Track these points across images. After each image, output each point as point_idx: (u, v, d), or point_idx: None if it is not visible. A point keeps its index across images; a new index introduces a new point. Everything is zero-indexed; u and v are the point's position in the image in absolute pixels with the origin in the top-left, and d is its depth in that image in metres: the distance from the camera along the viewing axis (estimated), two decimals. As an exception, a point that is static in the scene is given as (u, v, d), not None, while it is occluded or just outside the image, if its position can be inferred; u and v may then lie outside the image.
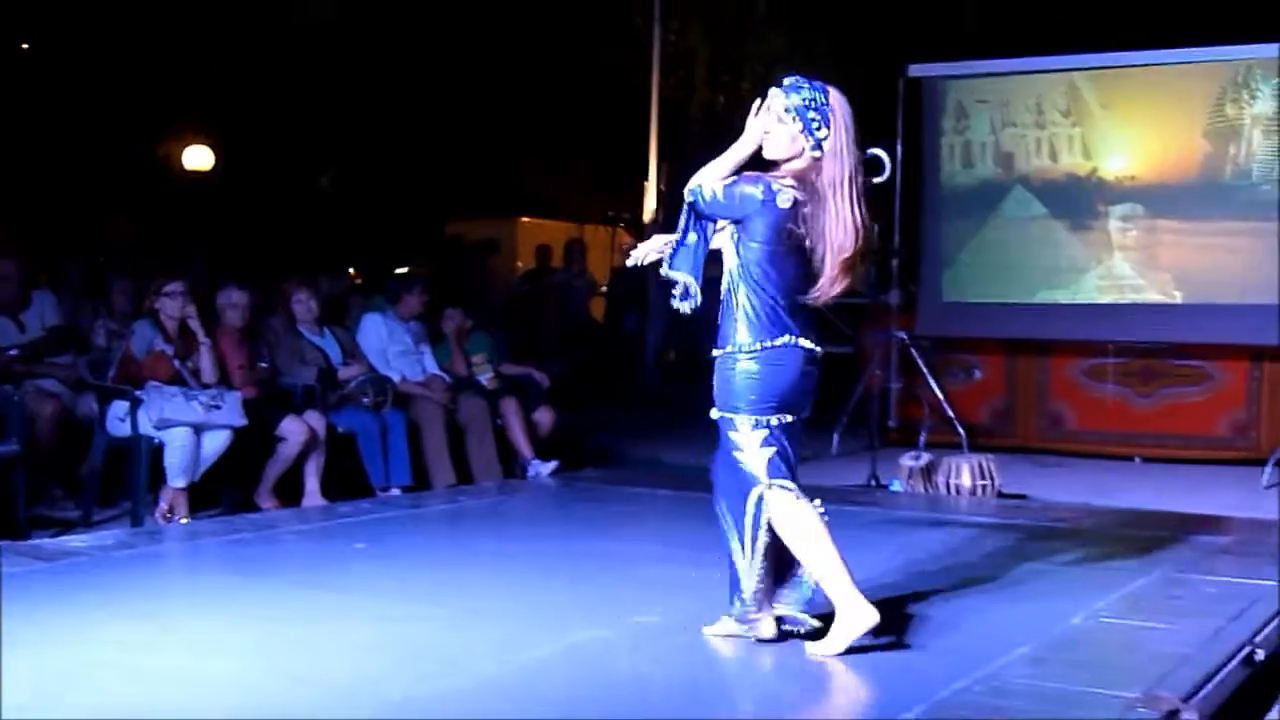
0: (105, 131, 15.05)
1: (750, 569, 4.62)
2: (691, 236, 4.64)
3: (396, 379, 9.06)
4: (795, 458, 4.69)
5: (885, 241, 11.23)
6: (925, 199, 11.70)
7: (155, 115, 15.81)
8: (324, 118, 16.62)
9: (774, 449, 4.56)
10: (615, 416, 12.88)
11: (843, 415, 10.98)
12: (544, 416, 9.68)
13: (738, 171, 4.59)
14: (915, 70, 11.56)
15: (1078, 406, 11.40)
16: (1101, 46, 11.18)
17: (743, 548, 4.63)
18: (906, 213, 11.41)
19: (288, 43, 15.68)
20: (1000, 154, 11.45)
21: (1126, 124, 11.06)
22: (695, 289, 4.65)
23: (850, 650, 4.49)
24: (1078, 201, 11.18)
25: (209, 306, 8.40)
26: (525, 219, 19.44)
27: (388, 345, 9.25)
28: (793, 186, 4.53)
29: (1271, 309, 10.27)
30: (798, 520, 4.55)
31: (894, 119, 11.25)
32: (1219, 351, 10.81)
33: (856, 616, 4.49)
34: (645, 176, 13.71)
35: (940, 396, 11.05)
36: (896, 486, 8.86)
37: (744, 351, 4.57)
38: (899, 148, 11.21)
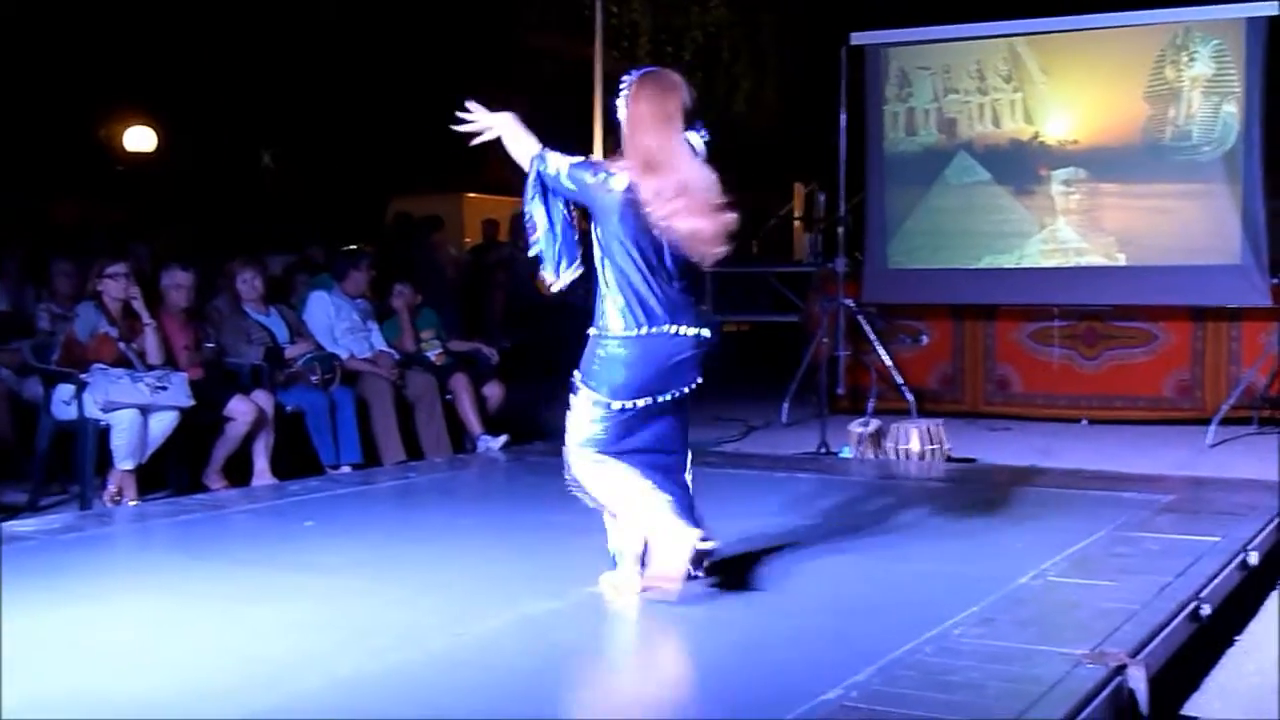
0: (45, 114, 14.88)
1: (615, 527, 4.90)
2: (545, 220, 4.86)
3: (344, 356, 9.02)
4: (676, 429, 4.90)
5: (830, 210, 11.24)
6: (870, 167, 11.70)
7: (96, 97, 15.64)
8: (266, 96, 16.50)
9: (601, 428, 4.79)
10: (563, 391, 12.84)
11: (792, 383, 11.02)
12: (493, 391, 9.68)
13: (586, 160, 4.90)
14: (857, 38, 11.55)
15: (1024, 370, 11.46)
16: (1041, 11, 11.20)
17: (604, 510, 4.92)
18: (851, 181, 11.42)
19: (228, 22, 15.54)
20: (943, 120, 11.48)
21: (1067, 88, 11.09)
22: (565, 271, 4.86)
23: (800, 616, 4.52)
24: (1021, 166, 11.22)
25: (153, 288, 8.33)
26: (471, 194, 19.35)
27: (335, 323, 9.20)
28: (628, 169, 4.73)
29: (1214, 269, 10.38)
30: (601, 477, 4.80)
31: (837, 87, 11.27)
32: (1163, 313, 10.89)
33: (677, 538, 4.64)
34: (590, 150, 13.67)
35: (888, 363, 11.11)
36: (846, 453, 8.90)
37: (613, 338, 4.72)
38: (843, 116, 11.23)
